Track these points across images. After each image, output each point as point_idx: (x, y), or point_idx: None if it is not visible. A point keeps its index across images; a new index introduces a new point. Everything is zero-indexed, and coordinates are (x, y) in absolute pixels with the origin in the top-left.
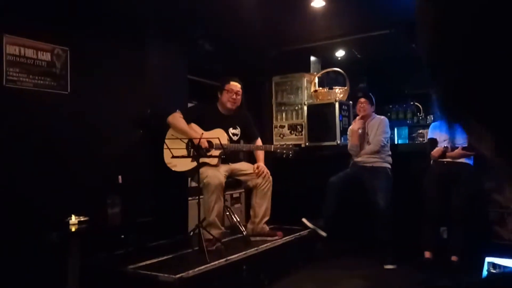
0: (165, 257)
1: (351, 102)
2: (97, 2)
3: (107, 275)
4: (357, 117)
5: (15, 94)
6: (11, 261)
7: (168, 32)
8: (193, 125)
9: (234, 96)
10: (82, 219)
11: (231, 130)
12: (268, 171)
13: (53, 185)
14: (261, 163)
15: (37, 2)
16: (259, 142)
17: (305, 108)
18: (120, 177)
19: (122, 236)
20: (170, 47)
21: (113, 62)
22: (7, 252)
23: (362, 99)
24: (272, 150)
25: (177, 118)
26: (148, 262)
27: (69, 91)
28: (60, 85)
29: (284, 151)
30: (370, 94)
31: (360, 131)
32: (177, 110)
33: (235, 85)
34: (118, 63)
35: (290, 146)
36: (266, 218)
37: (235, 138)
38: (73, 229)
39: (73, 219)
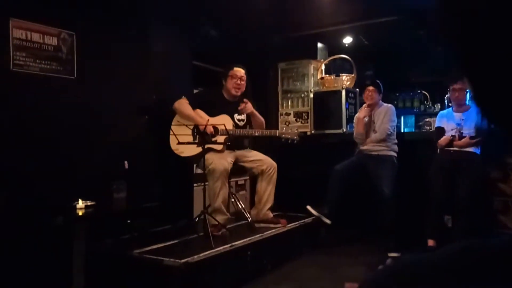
0: (170, 242)
1: (357, 89)
2: None
3: (112, 259)
4: (364, 105)
5: (22, 78)
6: (17, 245)
7: (173, 18)
8: (199, 111)
9: (238, 82)
10: (88, 204)
11: (236, 116)
12: (251, 107)
13: (59, 170)
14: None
15: None
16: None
17: (311, 95)
18: (126, 162)
19: (128, 221)
20: (175, 34)
21: (119, 47)
22: (14, 236)
23: (370, 87)
24: (277, 135)
25: (183, 104)
26: (153, 247)
27: (75, 75)
28: (66, 69)
29: (289, 136)
30: (378, 82)
31: (366, 119)
32: (183, 96)
33: (239, 71)
34: (124, 48)
35: (296, 131)
36: (270, 204)
37: (240, 124)
38: (79, 213)
39: (80, 203)
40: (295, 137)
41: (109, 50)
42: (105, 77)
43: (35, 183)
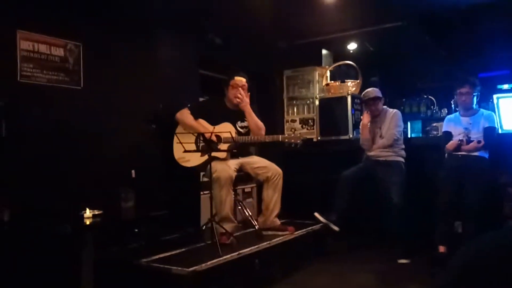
0: (178, 251)
1: (362, 95)
2: None
3: (120, 268)
4: (365, 110)
5: (29, 89)
6: (25, 255)
7: (179, 27)
8: (201, 120)
9: (240, 91)
10: (96, 213)
11: (238, 124)
12: (246, 99)
13: (67, 179)
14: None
15: None
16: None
17: (317, 102)
18: (133, 171)
19: (136, 230)
20: (181, 42)
21: (125, 56)
22: (21, 245)
23: (370, 102)
24: (280, 140)
25: (184, 115)
26: (161, 255)
27: (82, 86)
28: (73, 80)
29: (292, 140)
30: (375, 93)
31: (369, 124)
32: (187, 106)
33: (240, 80)
34: (130, 57)
35: (298, 134)
36: (277, 212)
37: (243, 131)
38: (87, 222)
39: (87, 212)
40: (298, 141)
41: (116, 60)
42: (112, 86)
43: (43, 192)
